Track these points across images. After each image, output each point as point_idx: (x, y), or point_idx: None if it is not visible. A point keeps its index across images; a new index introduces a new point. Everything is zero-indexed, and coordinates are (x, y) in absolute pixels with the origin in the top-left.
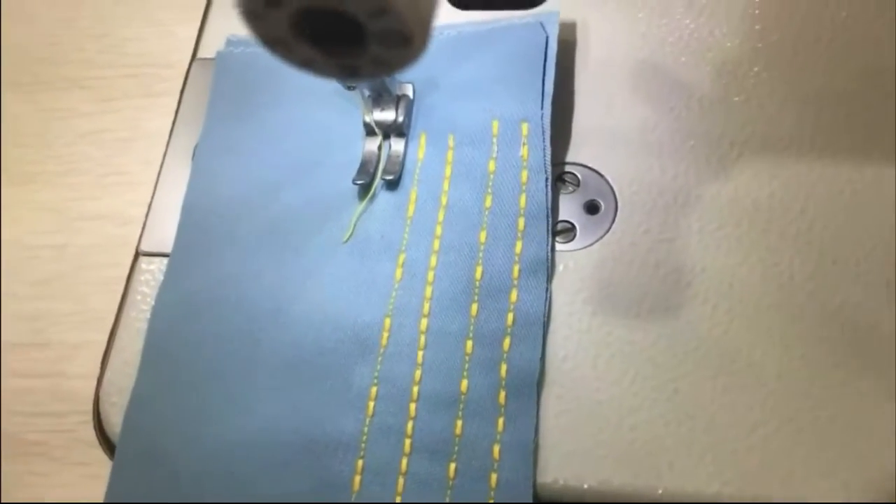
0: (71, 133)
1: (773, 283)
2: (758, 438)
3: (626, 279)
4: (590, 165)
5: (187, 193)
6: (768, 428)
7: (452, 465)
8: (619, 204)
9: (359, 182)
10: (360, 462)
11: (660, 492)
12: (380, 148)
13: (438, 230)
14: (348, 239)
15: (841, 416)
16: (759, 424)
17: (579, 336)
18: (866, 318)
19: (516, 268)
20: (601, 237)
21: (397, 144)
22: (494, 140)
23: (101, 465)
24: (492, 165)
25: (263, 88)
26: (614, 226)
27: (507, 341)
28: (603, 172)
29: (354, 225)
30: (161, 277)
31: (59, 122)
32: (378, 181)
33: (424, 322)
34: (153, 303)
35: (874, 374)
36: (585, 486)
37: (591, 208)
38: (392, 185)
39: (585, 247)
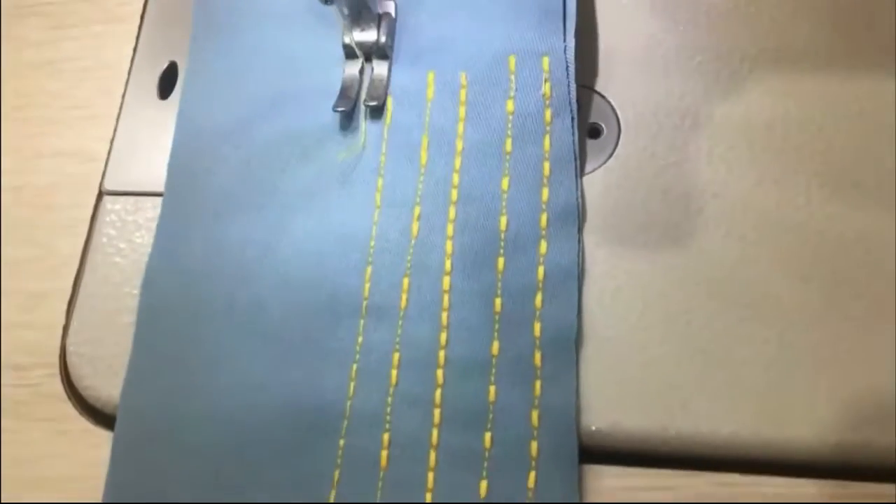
0: (24, 64)
1: (790, 207)
2: (776, 374)
3: (632, 207)
4: (590, 86)
5: (175, 136)
6: (787, 363)
7: (488, 435)
8: (623, 127)
9: (339, 109)
10: (387, 436)
11: (673, 433)
12: (361, 72)
13: (455, 179)
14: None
15: (863, 349)
16: (776, 359)
17: (584, 269)
18: (887, 246)
19: (544, 217)
20: (604, 163)
21: (380, 68)
22: (512, 77)
23: (70, 421)
24: (510, 105)
25: (241, 10)
26: (618, 150)
27: (539, 297)
28: (604, 93)
29: (363, 143)
30: (127, 218)
31: (10, 53)
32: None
33: (447, 280)
34: (145, 271)
35: None
36: (594, 427)
37: (592, 132)
38: (403, 132)
39: (587, 173)
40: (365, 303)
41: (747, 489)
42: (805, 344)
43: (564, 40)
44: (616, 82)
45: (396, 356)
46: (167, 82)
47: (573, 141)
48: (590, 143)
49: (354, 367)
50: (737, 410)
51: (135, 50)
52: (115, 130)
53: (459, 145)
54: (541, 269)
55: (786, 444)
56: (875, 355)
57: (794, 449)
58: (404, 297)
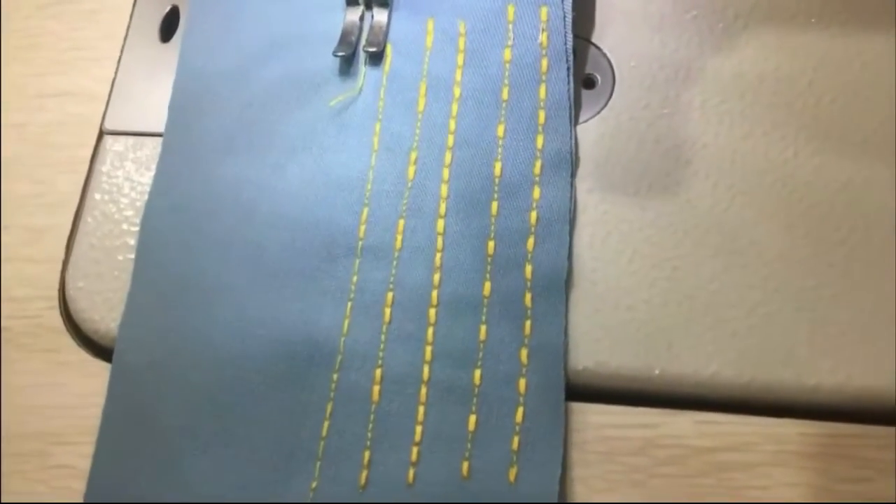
0: (28, 6)
1: (777, 159)
2: (758, 318)
3: (625, 156)
4: (586, 37)
5: (176, 78)
6: (769, 307)
7: (478, 372)
8: (617, 78)
9: (339, 54)
10: (379, 372)
11: (657, 372)
12: (361, 19)
13: (452, 125)
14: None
15: (843, 294)
16: (760, 304)
17: (575, 215)
18: (871, 196)
19: (538, 163)
20: (598, 112)
21: (380, 15)
22: (510, 26)
23: (69, 352)
24: (507, 54)
25: None
26: (612, 101)
27: (530, 241)
28: (600, 45)
29: (360, 87)
30: (127, 156)
31: None
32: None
33: (441, 223)
34: (144, 207)
35: (878, 253)
36: (581, 367)
37: (588, 82)
38: (402, 79)
39: (581, 122)
40: (360, 243)
41: (728, 428)
42: (788, 289)
43: None
44: (612, 34)
45: (390, 295)
46: (169, 26)
47: (568, 90)
48: (585, 93)
49: (349, 304)
50: (720, 352)
51: None
52: (116, 72)
53: (457, 92)
54: (533, 214)
55: (766, 384)
56: (855, 301)
57: (774, 390)
58: (399, 238)
